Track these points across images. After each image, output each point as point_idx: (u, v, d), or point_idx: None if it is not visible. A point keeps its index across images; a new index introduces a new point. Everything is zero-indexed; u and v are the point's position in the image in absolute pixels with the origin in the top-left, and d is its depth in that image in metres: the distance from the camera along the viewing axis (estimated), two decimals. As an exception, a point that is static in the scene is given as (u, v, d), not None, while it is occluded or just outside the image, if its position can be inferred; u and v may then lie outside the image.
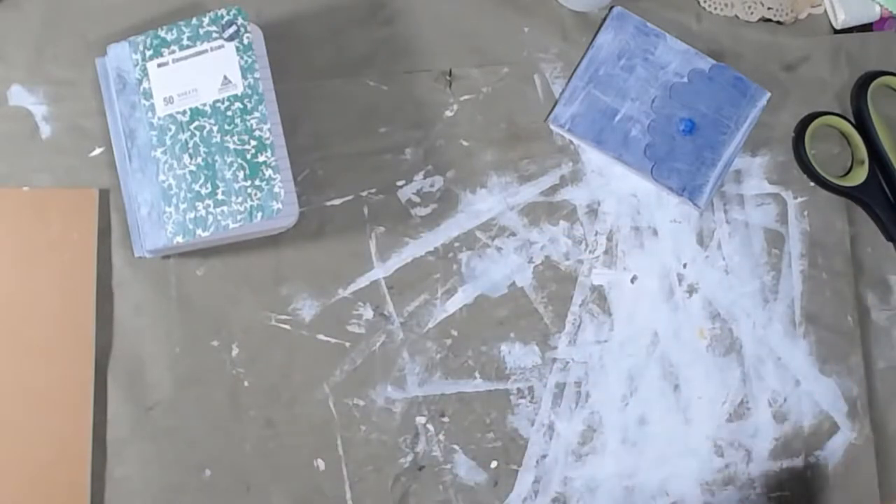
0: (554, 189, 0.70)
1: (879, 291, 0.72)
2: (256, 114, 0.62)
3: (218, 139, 0.62)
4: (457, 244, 0.69)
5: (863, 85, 0.72)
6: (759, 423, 0.70)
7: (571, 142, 0.71)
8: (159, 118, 0.63)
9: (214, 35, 0.63)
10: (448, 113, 0.70)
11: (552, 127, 0.70)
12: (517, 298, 0.69)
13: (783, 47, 0.73)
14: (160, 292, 0.66)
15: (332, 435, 0.66)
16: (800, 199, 0.72)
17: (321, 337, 0.67)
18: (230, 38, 0.63)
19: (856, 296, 0.72)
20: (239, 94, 0.62)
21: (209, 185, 0.62)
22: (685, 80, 0.71)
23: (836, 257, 0.72)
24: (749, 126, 0.71)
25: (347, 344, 0.67)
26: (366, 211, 0.68)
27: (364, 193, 0.68)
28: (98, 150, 0.67)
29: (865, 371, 0.71)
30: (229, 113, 0.62)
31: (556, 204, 0.70)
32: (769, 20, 0.73)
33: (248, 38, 0.63)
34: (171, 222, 0.62)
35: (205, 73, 0.62)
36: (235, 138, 0.62)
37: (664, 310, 0.70)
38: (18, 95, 0.67)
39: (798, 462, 0.70)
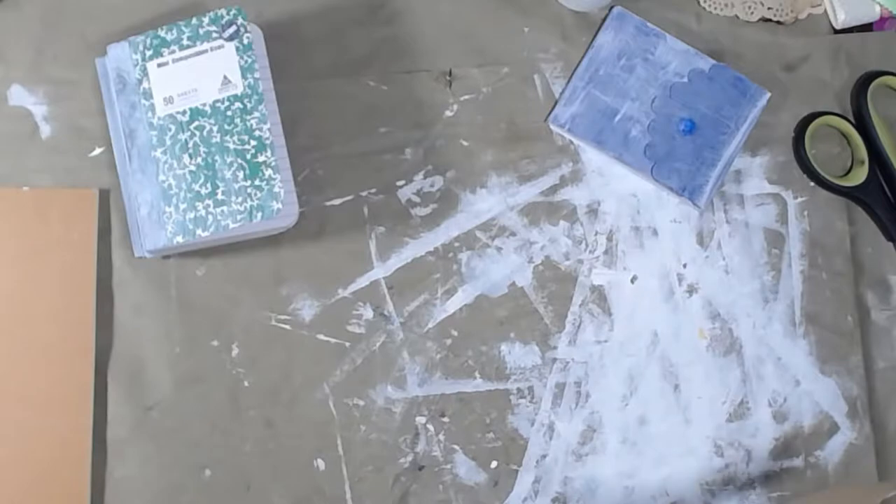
0: (554, 189, 0.70)
1: (879, 291, 0.72)
2: (256, 114, 0.62)
3: (218, 139, 0.62)
4: (457, 244, 0.69)
5: (863, 85, 0.72)
6: (759, 423, 0.70)
7: (571, 142, 0.71)
8: (159, 118, 0.63)
9: (214, 35, 0.63)
10: (448, 113, 0.70)
11: (552, 127, 0.70)
12: (517, 298, 0.69)
13: (783, 47, 0.73)
14: (160, 292, 0.66)
15: (332, 435, 0.66)
16: (800, 199, 0.72)
17: (321, 337, 0.67)
18: (230, 38, 0.63)
19: (856, 296, 0.72)
20: (239, 94, 0.62)
21: (209, 185, 0.62)
22: (685, 80, 0.70)
23: (836, 257, 0.72)
24: (749, 126, 0.71)
25: (347, 344, 0.67)
26: (366, 211, 0.68)
27: (364, 193, 0.68)
28: (98, 150, 0.67)
29: (865, 371, 0.71)
30: (229, 113, 0.62)
31: (556, 204, 0.70)
32: (769, 20, 0.73)
33: (248, 38, 0.63)
34: (171, 222, 0.62)
35: (205, 73, 0.62)
36: (235, 138, 0.62)
37: (664, 310, 0.70)
38: (18, 95, 0.67)
39: (798, 462, 0.70)
